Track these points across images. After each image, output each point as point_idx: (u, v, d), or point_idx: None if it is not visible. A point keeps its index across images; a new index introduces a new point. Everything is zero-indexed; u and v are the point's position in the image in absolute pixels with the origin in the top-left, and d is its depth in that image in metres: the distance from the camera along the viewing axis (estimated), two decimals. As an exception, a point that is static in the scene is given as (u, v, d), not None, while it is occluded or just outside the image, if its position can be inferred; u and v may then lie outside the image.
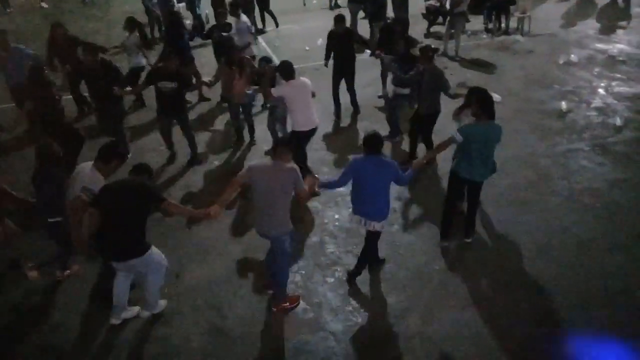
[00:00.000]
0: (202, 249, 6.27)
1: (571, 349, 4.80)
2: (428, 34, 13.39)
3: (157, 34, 13.89)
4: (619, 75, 10.45)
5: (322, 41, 12.10)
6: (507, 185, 7.20)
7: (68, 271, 5.88)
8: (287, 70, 6.91)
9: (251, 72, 7.86)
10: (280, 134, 8.01)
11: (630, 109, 9.11)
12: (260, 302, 5.49)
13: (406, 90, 8.04)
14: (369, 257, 5.65)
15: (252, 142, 8.67)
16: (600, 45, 12.10)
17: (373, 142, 5.15)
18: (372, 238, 5.48)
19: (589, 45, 12.16)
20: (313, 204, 6.86)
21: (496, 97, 9.54)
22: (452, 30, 11.87)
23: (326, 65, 9.42)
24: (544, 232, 6.30)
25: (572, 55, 11.39)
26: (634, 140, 8.15)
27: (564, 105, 9.25)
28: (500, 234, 6.32)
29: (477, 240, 6.25)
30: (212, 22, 11.65)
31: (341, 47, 8.99)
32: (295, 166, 5.01)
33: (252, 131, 8.68)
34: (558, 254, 5.95)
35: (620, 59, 11.26)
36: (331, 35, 9.11)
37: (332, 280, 5.73)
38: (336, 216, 6.73)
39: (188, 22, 14.82)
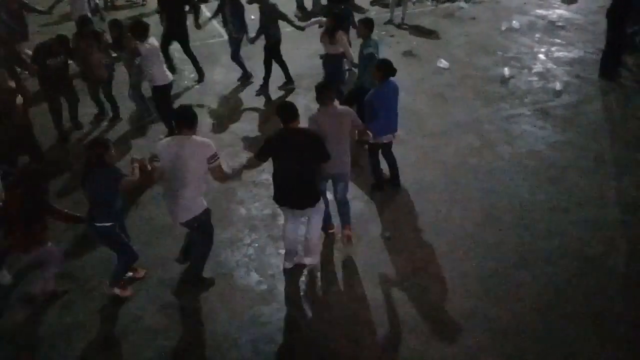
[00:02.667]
0: (154, 229, 6.15)
1: (515, 308, 5.02)
2: (374, 2, 13.33)
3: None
4: (558, 41, 10.73)
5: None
6: (452, 151, 7.35)
7: (117, 290, 5.25)
8: (140, 30, 7.31)
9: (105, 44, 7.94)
10: (132, 101, 8.34)
11: (569, 73, 9.40)
12: (214, 277, 5.46)
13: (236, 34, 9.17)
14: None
15: (117, 117, 8.56)
16: (540, 11, 12.35)
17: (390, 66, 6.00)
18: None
19: (530, 11, 12.40)
20: (264, 176, 6.82)
21: (444, 63, 9.70)
22: (398, -2, 11.87)
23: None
24: (489, 195, 6.49)
25: (514, 22, 11.58)
26: (572, 104, 8.44)
27: (506, 71, 9.44)
28: (446, 199, 6.47)
29: (424, 206, 6.38)
30: None
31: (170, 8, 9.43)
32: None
33: (115, 108, 8.54)
34: (503, 217, 6.15)
35: (560, 24, 11.54)
36: None
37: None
38: (287, 187, 6.71)
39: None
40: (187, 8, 9.56)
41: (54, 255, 5.12)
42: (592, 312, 4.96)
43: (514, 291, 5.19)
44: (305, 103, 8.64)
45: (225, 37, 10.02)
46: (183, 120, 4.76)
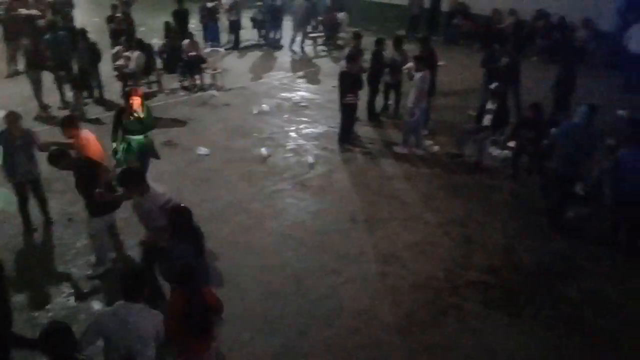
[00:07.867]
0: None
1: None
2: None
3: None
4: (304, 119, 11.87)
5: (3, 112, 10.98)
6: (226, 232, 7.53)
7: None
8: None
9: None
10: None
11: (317, 147, 10.44)
12: None
13: None
14: None
15: None
16: (285, 94, 13.57)
17: None
18: None
19: (276, 95, 13.55)
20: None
21: (204, 150, 9.97)
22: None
23: None
24: (265, 271, 6.75)
25: (264, 105, 12.52)
26: (324, 174, 9.36)
27: (264, 151, 10.09)
28: (227, 280, 6.56)
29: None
30: None
31: None
32: None
33: None
34: (280, 289, 6.44)
35: (303, 104, 12.82)
36: None
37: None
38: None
39: None
40: None
41: None
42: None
43: None
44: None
45: None
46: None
